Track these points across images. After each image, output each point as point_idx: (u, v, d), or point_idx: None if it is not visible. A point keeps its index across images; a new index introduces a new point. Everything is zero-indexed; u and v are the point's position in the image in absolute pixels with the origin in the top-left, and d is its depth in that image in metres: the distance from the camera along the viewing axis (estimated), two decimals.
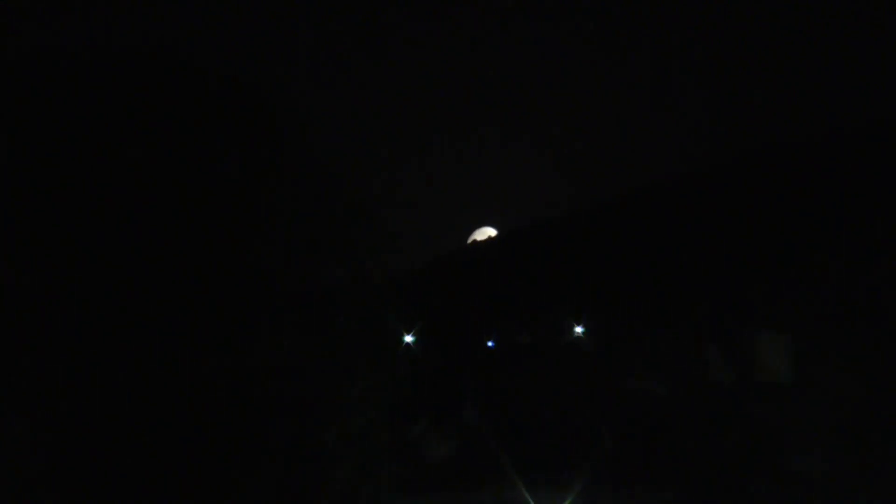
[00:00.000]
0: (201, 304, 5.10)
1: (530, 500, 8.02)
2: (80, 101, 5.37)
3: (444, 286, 18.18)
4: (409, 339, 11.96)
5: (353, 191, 7.82)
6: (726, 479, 8.63)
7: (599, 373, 12.54)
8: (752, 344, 11.34)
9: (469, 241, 24.60)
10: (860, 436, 8.29)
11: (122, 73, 5.54)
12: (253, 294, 5.48)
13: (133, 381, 4.68)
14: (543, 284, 16.32)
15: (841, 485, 7.67)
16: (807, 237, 12.09)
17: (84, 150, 5.15)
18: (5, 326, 4.66)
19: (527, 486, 8.23)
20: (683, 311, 13.34)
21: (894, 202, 11.03)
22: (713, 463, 9.09)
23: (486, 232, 24.44)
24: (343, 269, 7.11)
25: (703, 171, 17.76)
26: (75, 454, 4.51)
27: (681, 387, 11.60)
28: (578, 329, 14.34)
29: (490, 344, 15.52)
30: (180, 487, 4.74)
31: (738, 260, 13.31)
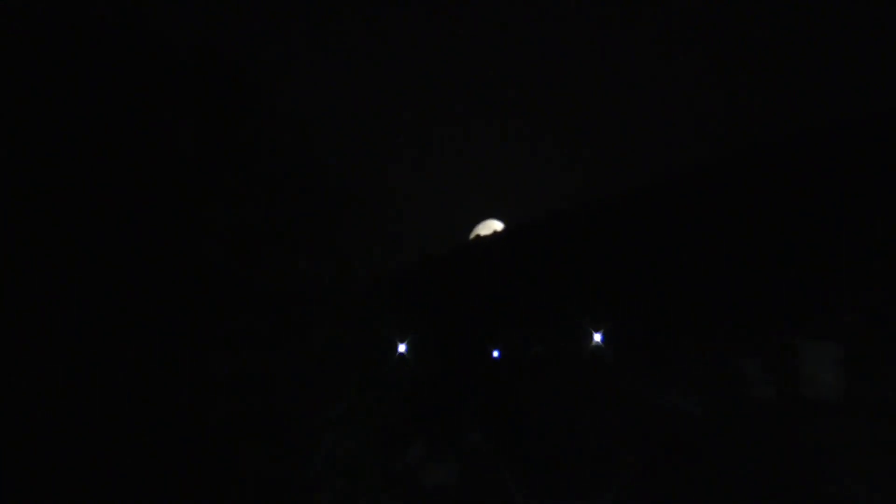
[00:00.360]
0: (139, 301, 5.01)
1: None
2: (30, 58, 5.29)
3: (443, 287, 18.13)
4: (402, 347, 11.89)
5: (338, 175, 7.77)
6: None
7: (621, 387, 12.50)
8: (797, 355, 11.29)
9: (472, 235, 24.58)
10: None
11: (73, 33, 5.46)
12: (210, 292, 5.41)
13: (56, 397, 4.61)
14: (557, 285, 16.28)
15: None
16: (860, 232, 12.04)
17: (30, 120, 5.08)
18: None
19: None
20: (717, 318, 13.29)
21: None
22: (751, 490, 9.06)
23: (491, 226, 24.44)
24: (326, 265, 7.05)
25: (741, 155, 17.67)
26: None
27: (714, 404, 11.55)
28: (597, 337, 14.31)
29: (496, 354, 15.49)
30: None
31: (780, 258, 13.26)
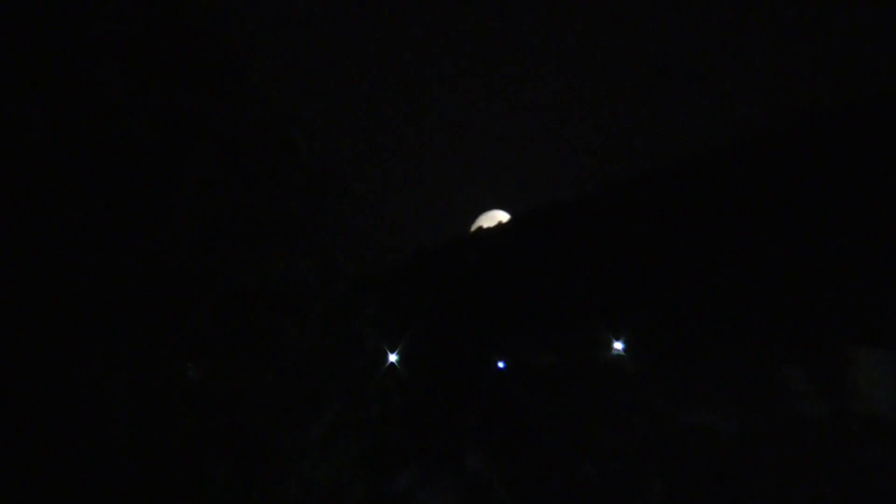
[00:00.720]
0: (81, 304, 4.87)
1: None
2: None
3: (441, 286, 18.01)
4: (393, 357, 11.82)
5: (320, 158, 7.63)
6: None
7: (646, 403, 12.46)
8: (849, 365, 11.29)
9: (473, 228, 24.57)
10: None
11: None
12: (167, 291, 5.27)
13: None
14: (571, 285, 16.20)
15: None
16: None
17: None
18: None
19: None
20: (756, 320, 13.28)
21: None
22: None
23: (496, 216, 24.45)
24: (306, 262, 6.91)
25: (779, 137, 17.68)
26: None
27: (753, 421, 11.54)
28: (618, 345, 14.26)
29: (501, 365, 15.43)
30: None
31: (828, 249, 13.26)
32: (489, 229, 23.63)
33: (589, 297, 15.61)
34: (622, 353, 14.12)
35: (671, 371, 13.09)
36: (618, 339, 14.18)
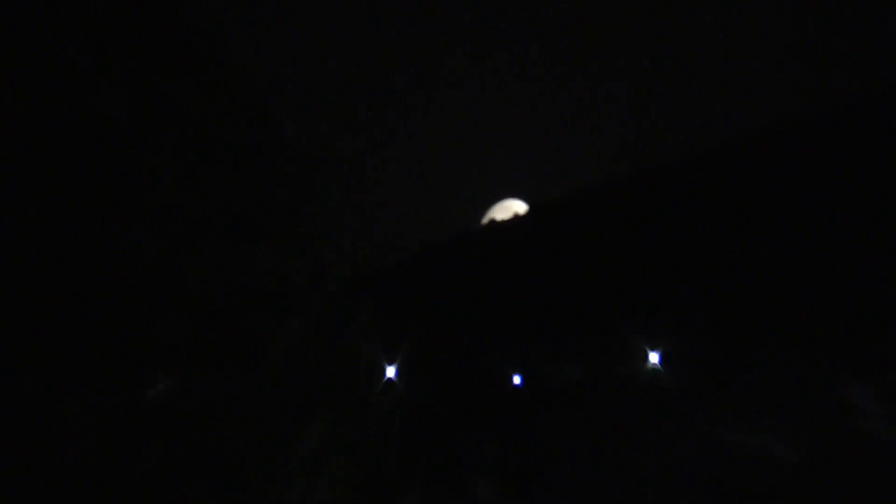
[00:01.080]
0: (42, 305, 4.92)
1: None
2: None
3: (448, 288, 18.04)
4: (392, 370, 11.86)
5: (311, 142, 7.65)
6: None
7: (687, 425, 12.40)
8: None
9: (485, 220, 24.64)
10: None
11: None
12: (137, 294, 5.33)
13: None
14: (598, 287, 16.14)
15: None
16: None
17: None
18: None
19: None
20: (816, 330, 13.17)
21: None
22: None
23: (511, 207, 24.51)
24: (292, 260, 6.95)
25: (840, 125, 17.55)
26: None
27: (813, 445, 11.46)
28: (654, 357, 14.20)
29: (517, 380, 15.44)
30: None
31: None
32: (503, 222, 23.64)
33: (618, 299, 15.52)
34: (659, 367, 14.09)
35: (716, 386, 12.99)
36: (653, 349, 14.15)
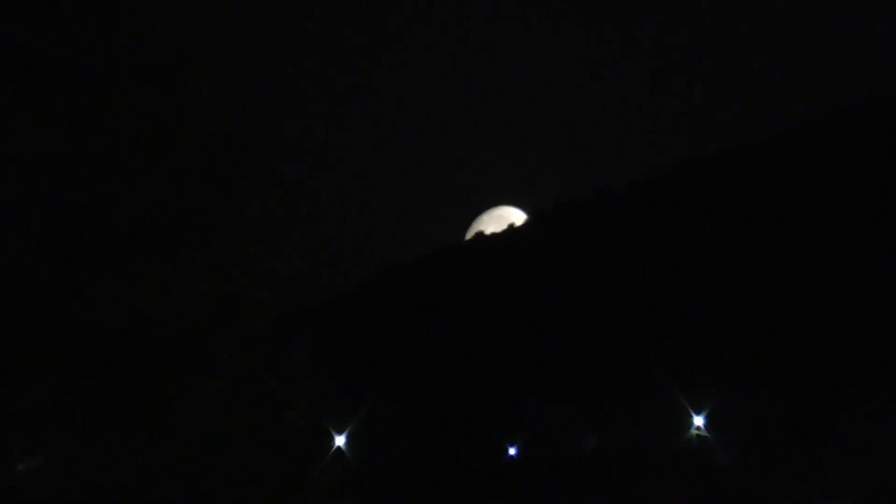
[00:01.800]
0: None
1: None
2: None
3: (422, 321, 18.06)
4: (341, 439, 11.76)
5: (225, 126, 7.63)
6: None
7: (738, 497, 12.50)
8: None
9: (471, 233, 24.91)
10: None
11: None
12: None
13: None
14: (623, 322, 16.18)
15: None
16: None
17: None
18: None
19: None
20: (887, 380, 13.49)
21: None
22: None
23: (504, 216, 24.77)
24: (200, 287, 6.86)
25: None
26: None
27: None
28: (698, 420, 14.26)
29: (512, 451, 15.41)
30: None
31: None
32: (494, 235, 23.93)
33: (648, 341, 15.59)
34: (703, 431, 14.16)
35: (773, 453, 13.07)
36: (698, 412, 14.16)
